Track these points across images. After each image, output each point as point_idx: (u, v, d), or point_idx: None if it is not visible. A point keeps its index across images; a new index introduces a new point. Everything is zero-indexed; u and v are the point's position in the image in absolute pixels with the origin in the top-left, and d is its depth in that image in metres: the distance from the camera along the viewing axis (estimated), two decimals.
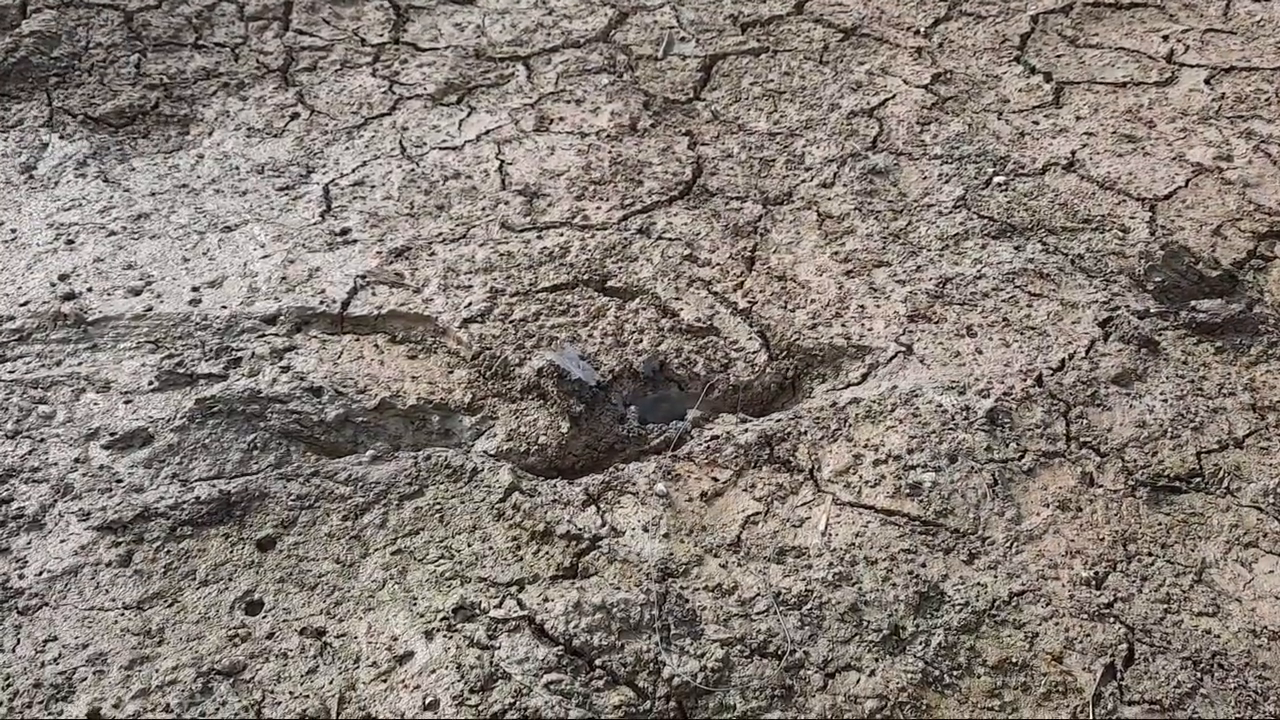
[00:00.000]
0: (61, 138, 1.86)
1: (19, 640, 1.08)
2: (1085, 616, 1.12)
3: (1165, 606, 1.13)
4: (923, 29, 2.17)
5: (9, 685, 1.04)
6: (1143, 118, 1.92)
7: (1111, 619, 1.12)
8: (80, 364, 1.40)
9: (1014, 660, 1.08)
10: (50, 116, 1.90)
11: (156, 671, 1.05)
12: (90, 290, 1.52)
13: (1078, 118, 1.92)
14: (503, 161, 1.81)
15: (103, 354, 1.42)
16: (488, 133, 1.87)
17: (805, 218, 1.69)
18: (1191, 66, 2.07)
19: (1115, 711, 1.03)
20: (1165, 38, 2.16)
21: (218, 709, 1.02)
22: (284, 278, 1.56)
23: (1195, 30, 2.19)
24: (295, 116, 1.91)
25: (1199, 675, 1.06)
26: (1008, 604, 1.13)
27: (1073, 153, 1.82)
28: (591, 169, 1.79)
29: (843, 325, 1.49)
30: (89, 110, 1.91)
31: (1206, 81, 2.02)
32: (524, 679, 1.05)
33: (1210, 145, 1.84)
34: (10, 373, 1.39)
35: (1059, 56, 2.10)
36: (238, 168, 1.80)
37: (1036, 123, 1.91)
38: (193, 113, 1.92)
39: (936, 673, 1.07)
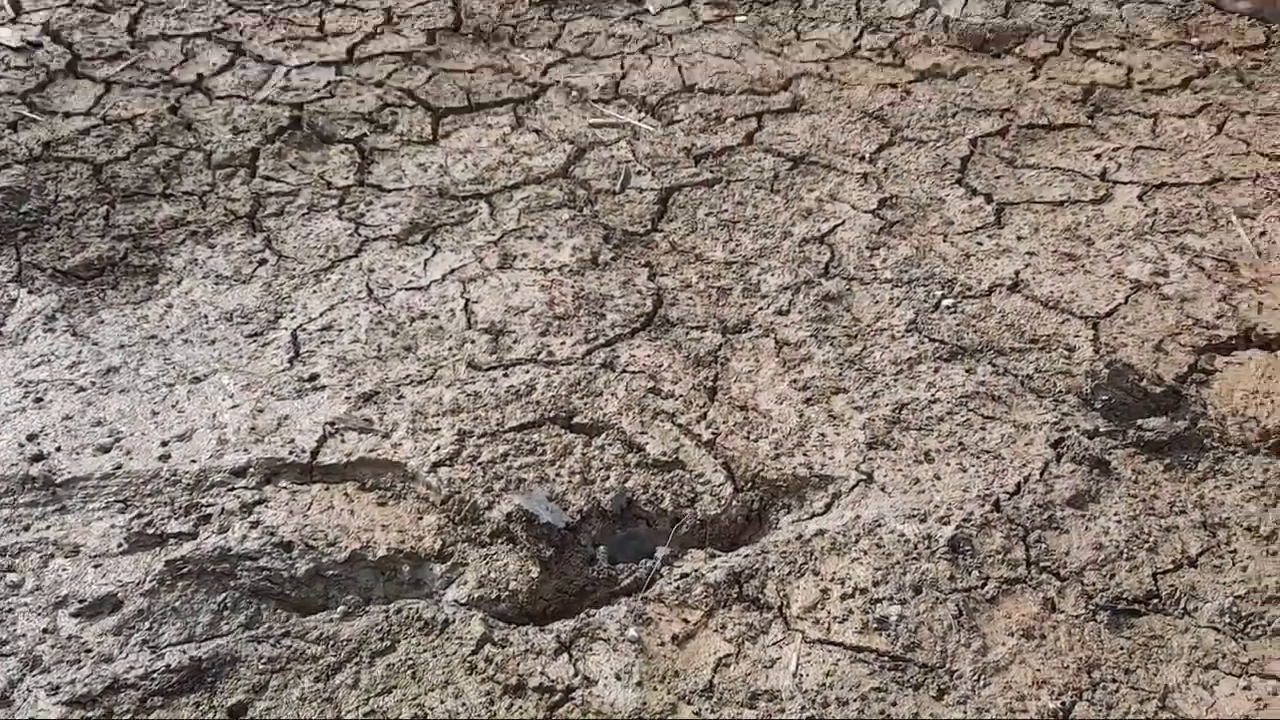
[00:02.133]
0: (30, 292, 1.89)
1: None
2: None
3: None
4: (867, 155, 2.27)
5: None
6: (1081, 235, 2.01)
7: None
8: (49, 527, 1.40)
9: None
10: (19, 271, 1.93)
11: None
12: (59, 449, 1.53)
13: (1019, 237, 2.00)
14: (468, 300, 1.85)
15: (71, 516, 1.43)
16: (453, 271, 1.92)
17: (764, 345, 1.74)
18: (1124, 183, 2.17)
19: None
20: (1098, 156, 2.27)
21: None
22: (253, 427, 1.58)
23: (1126, 148, 2.30)
24: (263, 262, 1.95)
25: None
26: None
27: (1016, 273, 1.89)
28: (555, 304, 1.84)
29: (804, 454, 1.52)
30: (57, 264, 1.95)
31: (1139, 198, 2.12)
32: None
33: (1147, 261, 1.93)
34: None
35: (998, 178, 2.20)
36: (206, 316, 1.83)
37: (980, 243, 1.99)
38: (161, 262, 1.96)
39: None
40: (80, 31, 2.63)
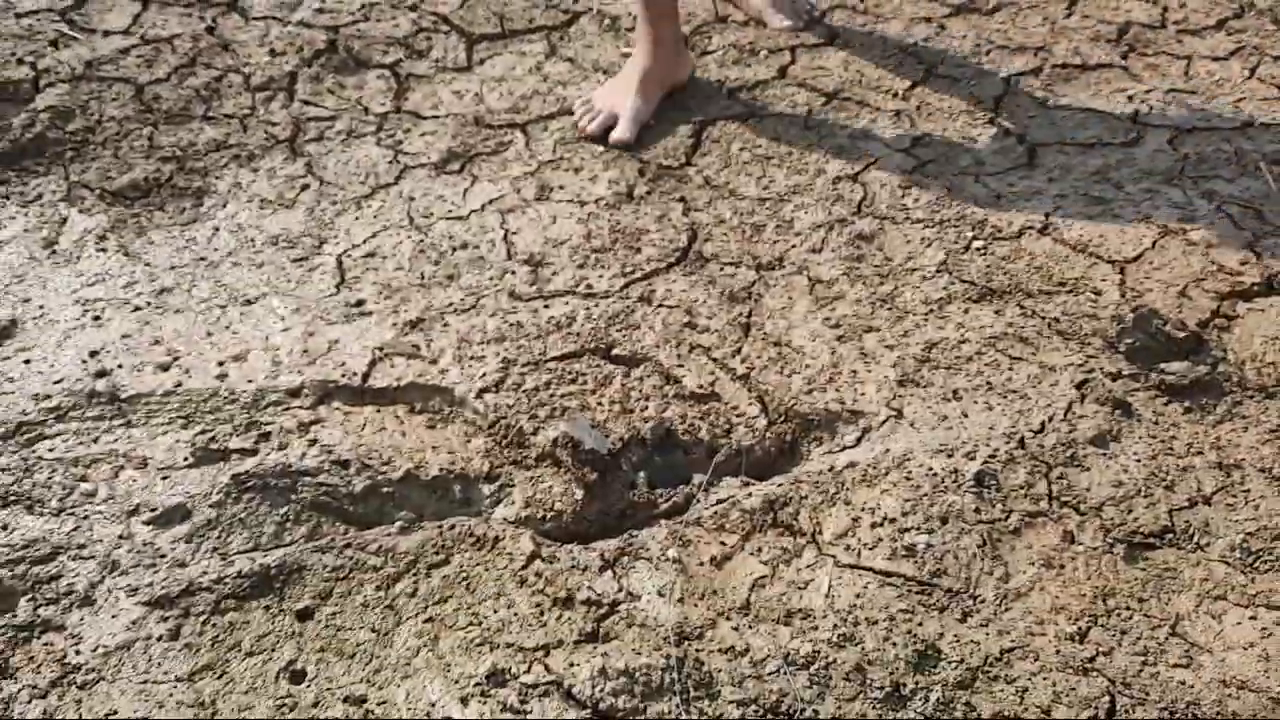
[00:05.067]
0: (80, 212, 1.93)
1: (80, 715, 1.15)
2: (1070, 671, 1.21)
3: (1143, 660, 1.23)
4: (900, 92, 2.28)
5: None
6: (1111, 179, 2.04)
7: (1094, 673, 1.21)
8: (117, 441, 1.47)
9: (1007, 714, 1.17)
10: (68, 191, 1.97)
11: None
12: (121, 367, 1.60)
13: (1050, 179, 2.03)
14: (507, 231, 1.90)
15: (137, 430, 1.50)
16: (491, 202, 1.96)
17: (797, 283, 1.79)
18: (1155, 127, 2.19)
19: None
20: (1130, 98, 2.28)
21: None
22: (305, 350, 1.64)
23: (1158, 90, 2.31)
24: (305, 188, 1.99)
25: None
26: (999, 660, 1.22)
27: (1046, 215, 1.93)
28: (592, 237, 1.88)
29: (836, 390, 1.58)
30: (105, 184, 1.99)
31: (1169, 142, 2.14)
32: None
33: (1174, 206, 1.96)
34: (50, 451, 1.46)
35: (1031, 118, 2.21)
36: (253, 240, 1.88)
37: (1011, 185, 2.02)
38: (206, 185, 2.00)
39: None
40: None
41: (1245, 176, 2.05)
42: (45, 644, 1.22)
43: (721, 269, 1.82)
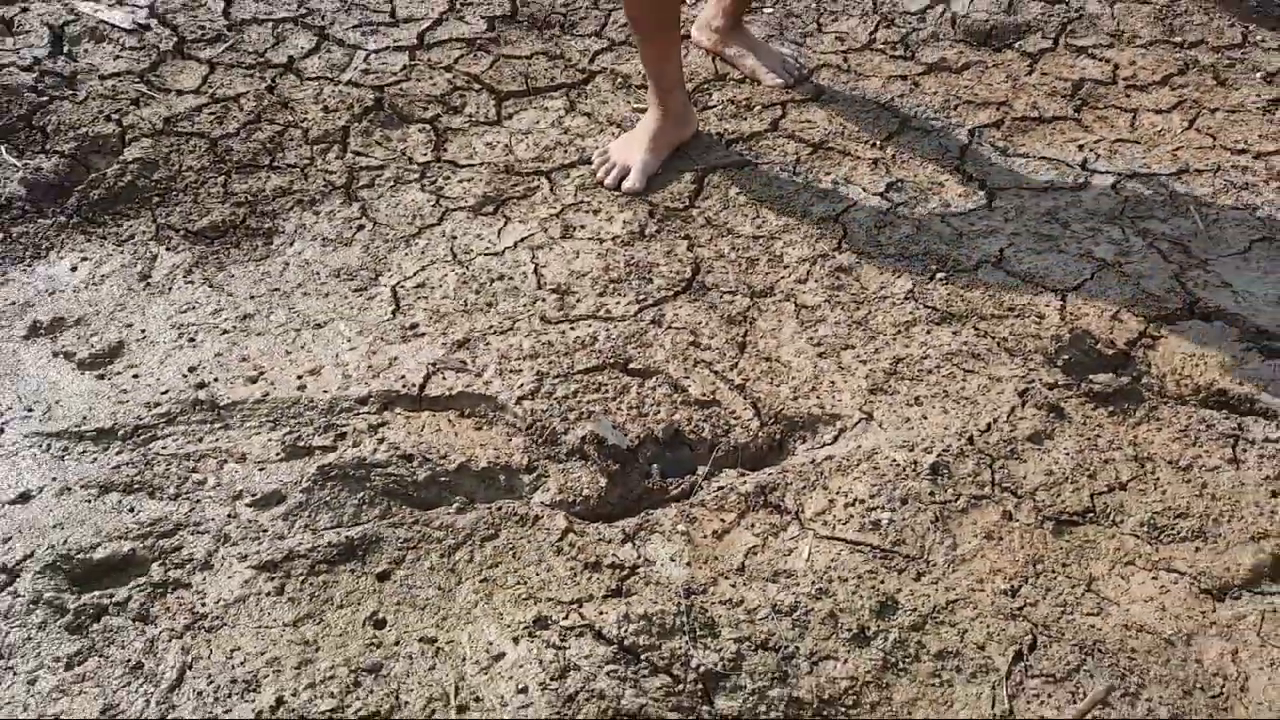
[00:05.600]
0: (168, 249, 2.24)
1: (211, 651, 1.44)
2: (1002, 617, 1.50)
3: (1062, 609, 1.52)
4: (877, 143, 2.60)
5: (211, 681, 1.40)
6: (1059, 219, 2.35)
7: (1021, 618, 1.50)
8: (218, 441, 1.77)
9: (950, 649, 1.46)
10: (156, 231, 2.29)
11: (318, 670, 1.42)
12: (216, 380, 1.90)
13: (1006, 219, 2.34)
14: (537, 264, 2.20)
15: (234, 431, 1.80)
16: (522, 240, 2.27)
17: (785, 308, 2.09)
18: (1101, 173, 2.50)
19: (1021, 683, 1.41)
20: (1080, 147, 2.60)
21: (367, 695, 1.39)
22: (370, 366, 1.94)
23: (1106, 140, 2.63)
24: (361, 228, 2.31)
25: (1084, 656, 1.45)
26: (945, 609, 1.51)
27: (1001, 251, 2.24)
28: (610, 269, 2.19)
29: (818, 397, 1.88)
30: (188, 225, 2.30)
31: (1113, 186, 2.45)
32: (590, 669, 1.42)
33: (1113, 243, 2.26)
34: (164, 448, 1.76)
35: (992, 165, 2.53)
36: (318, 273, 2.19)
37: (972, 224, 2.33)
38: (275, 225, 2.31)
39: (893, 660, 1.45)
40: (182, 15, 2.96)
41: (1177, 216, 2.36)
42: (177, 597, 1.52)
43: (721, 296, 2.12)
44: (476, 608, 1.51)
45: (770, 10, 3.15)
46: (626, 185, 2.39)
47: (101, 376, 1.92)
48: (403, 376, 1.91)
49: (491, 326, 2.04)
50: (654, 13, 2.40)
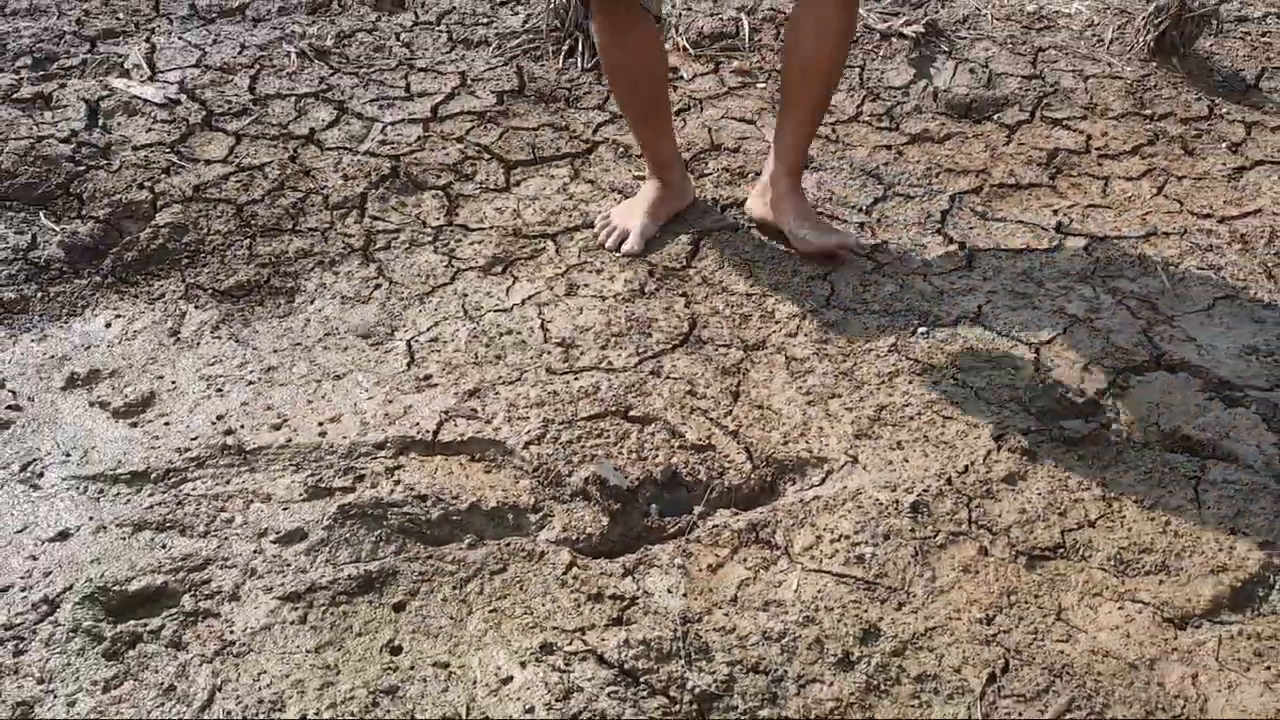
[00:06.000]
0: (196, 307, 2.39)
1: (240, 674, 1.55)
2: (977, 643, 1.61)
3: (1033, 636, 1.63)
4: (864, 207, 2.76)
5: (240, 702, 1.50)
6: (1034, 278, 2.49)
7: (995, 644, 1.61)
8: (245, 482, 1.90)
9: (928, 673, 1.57)
10: (185, 290, 2.43)
11: (339, 692, 1.52)
12: (243, 427, 2.03)
13: (984, 279, 2.49)
14: (543, 320, 2.34)
15: (259, 474, 1.92)
16: (530, 297, 2.42)
17: (776, 360, 2.23)
18: (1074, 236, 2.66)
19: (994, 703, 1.52)
20: (1055, 212, 2.76)
21: (385, 714, 1.49)
22: (386, 414, 2.07)
23: (1079, 206, 2.79)
24: (378, 286, 2.45)
25: (1052, 678, 1.55)
26: (924, 635, 1.62)
27: (979, 308, 2.38)
28: (612, 325, 2.33)
29: (806, 442, 2.00)
30: (215, 285, 2.45)
31: (1085, 248, 2.61)
32: (592, 691, 1.52)
33: (1084, 300, 2.41)
34: (194, 490, 1.88)
35: (971, 228, 2.68)
36: (337, 329, 2.33)
37: (953, 283, 2.48)
38: (297, 285, 2.46)
39: (876, 683, 1.55)
40: (210, 90, 3.15)
41: (1145, 276, 2.51)
42: (207, 625, 1.63)
43: (716, 349, 2.26)
44: (486, 635, 1.62)
45: (763, 85, 3.34)
46: (626, 248, 2.54)
47: (135, 424, 2.04)
48: (417, 423, 2.04)
49: (500, 377, 2.17)
50: (636, 106, 2.58)
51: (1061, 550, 1.78)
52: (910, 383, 2.14)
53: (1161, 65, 3.44)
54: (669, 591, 1.69)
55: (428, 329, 2.32)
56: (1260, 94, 3.33)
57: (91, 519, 1.83)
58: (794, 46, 2.43)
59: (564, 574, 1.73)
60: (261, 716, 1.49)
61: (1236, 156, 3.01)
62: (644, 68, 2.52)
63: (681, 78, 3.35)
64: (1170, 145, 3.08)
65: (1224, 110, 3.24)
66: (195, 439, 1.99)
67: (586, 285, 2.46)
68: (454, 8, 3.72)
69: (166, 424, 2.05)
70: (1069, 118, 3.20)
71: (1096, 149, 3.05)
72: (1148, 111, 3.24)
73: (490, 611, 1.66)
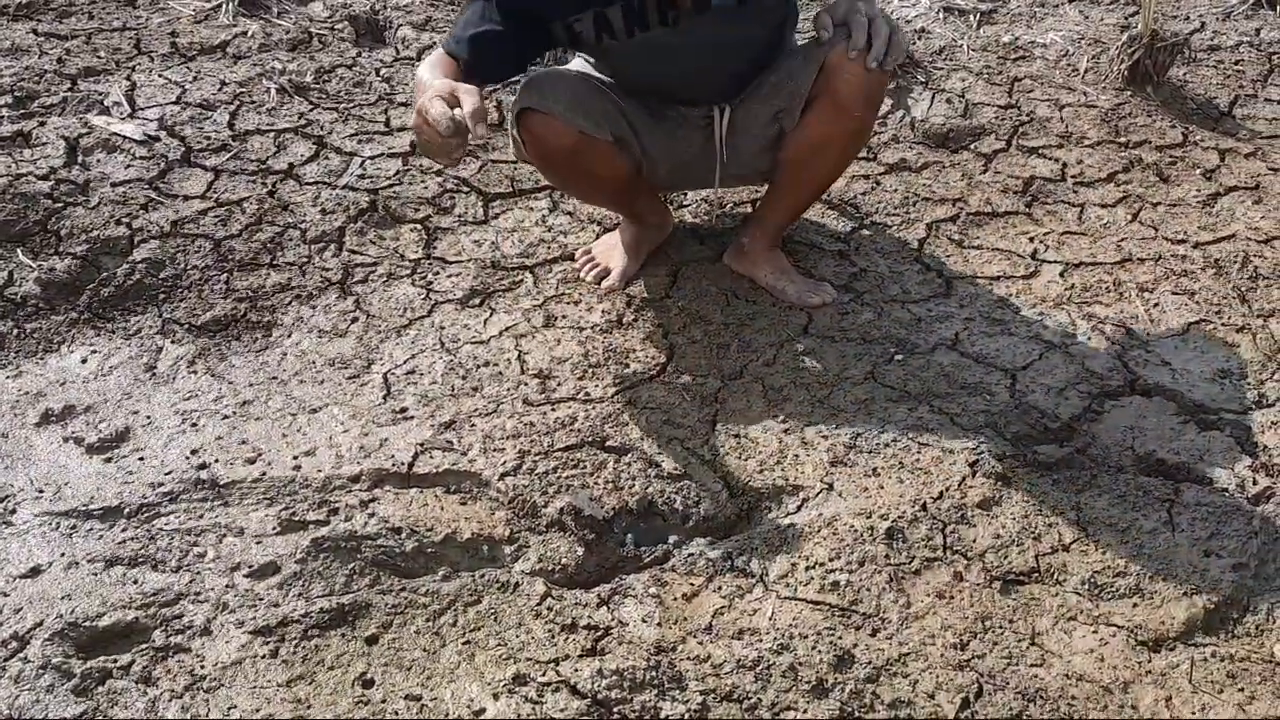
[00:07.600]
0: (172, 342, 2.38)
1: (210, 709, 1.53)
2: (951, 668, 1.60)
3: (1008, 661, 1.62)
4: (843, 235, 2.77)
5: None
6: (1010, 305, 2.51)
7: (969, 669, 1.60)
8: (218, 516, 1.89)
9: (902, 699, 1.56)
10: (162, 325, 2.43)
11: None
12: (217, 461, 2.02)
13: (961, 305, 2.50)
14: (520, 351, 2.35)
15: (233, 508, 1.91)
16: (507, 329, 2.42)
17: (754, 389, 2.23)
18: (1050, 262, 2.68)
19: None
20: (1031, 239, 2.78)
21: None
22: (361, 446, 2.06)
23: (1055, 233, 2.81)
24: (355, 320, 2.46)
25: (1026, 702, 1.54)
26: (898, 661, 1.61)
27: (956, 334, 2.39)
28: (589, 356, 2.33)
29: (782, 470, 2.00)
30: (192, 320, 2.45)
31: (1060, 274, 2.62)
32: None
33: (1060, 326, 2.42)
34: (168, 524, 1.87)
35: (948, 256, 2.70)
36: (314, 362, 2.32)
37: (930, 310, 2.49)
38: (274, 319, 2.46)
39: (850, 709, 1.55)
40: (189, 127, 3.17)
41: (1121, 301, 2.52)
42: (178, 660, 1.61)
43: (693, 379, 2.26)
44: (459, 668, 1.61)
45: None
46: (606, 284, 2.55)
47: (109, 459, 2.04)
48: (392, 456, 2.03)
49: (477, 409, 2.17)
50: (602, 205, 2.66)
51: (1036, 575, 1.77)
52: (886, 410, 2.15)
53: (1136, 94, 3.48)
54: (643, 621, 1.68)
55: (404, 361, 2.32)
56: (1233, 121, 3.37)
57: (63, 555, 1.82)
58: (796, 149, 2.35)
59: (538, 605, 1.72)
60: None
61: (1210, 183, 3.04)
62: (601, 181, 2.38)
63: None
64: (1145, 172, 3.11)
65: (1198, 137, 3.27)
66: (169, 474, 1.99)
67: (564, 316, 2.47)
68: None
69: (140, 459, 2.04)
70: (1045, 146, 3.23)
71: (1072, 177, 3.08)
72: (1122, 139, 3.27)
73: (464, 643, 1.65)
